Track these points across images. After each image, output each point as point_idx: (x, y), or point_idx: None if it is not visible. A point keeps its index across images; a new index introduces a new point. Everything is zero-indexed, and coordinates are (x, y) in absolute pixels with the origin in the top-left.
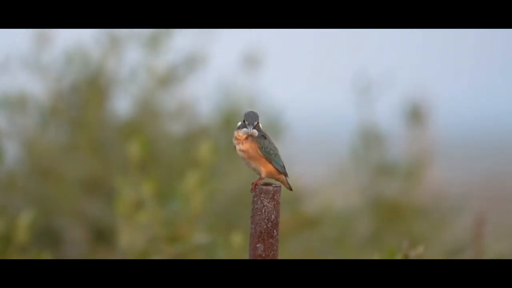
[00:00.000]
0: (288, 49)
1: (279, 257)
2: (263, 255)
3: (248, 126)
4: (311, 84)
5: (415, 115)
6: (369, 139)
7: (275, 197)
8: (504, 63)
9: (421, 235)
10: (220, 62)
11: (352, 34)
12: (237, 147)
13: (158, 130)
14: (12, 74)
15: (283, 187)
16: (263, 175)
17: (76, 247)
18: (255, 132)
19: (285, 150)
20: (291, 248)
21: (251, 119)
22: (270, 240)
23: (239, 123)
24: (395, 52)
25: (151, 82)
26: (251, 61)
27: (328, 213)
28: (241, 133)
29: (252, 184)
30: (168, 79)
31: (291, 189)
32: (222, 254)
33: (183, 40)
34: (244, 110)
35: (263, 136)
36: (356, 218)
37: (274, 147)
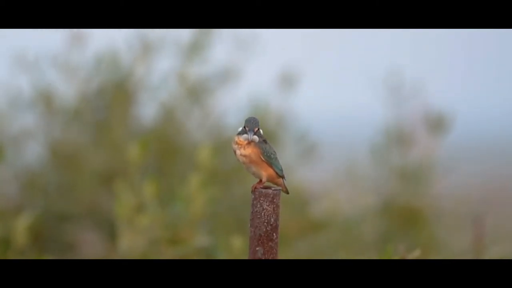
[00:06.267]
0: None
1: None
2: (263, 259)
3: (248, 132)
4: (328, 86)
5: (437, 123)
6: (392, 140)
7: (274, 200)
8: (503, 64)
9: (434, 239)
10: (253, 79)
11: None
12: (238, 152)
13: (178, 138)
14: (42, 73)
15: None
16: (264, 179)
17: (90, 246)
18: (256, 138)
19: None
20: (298, 251)
21: (251, 125)
22: (270, 243)
23: (240, 129)
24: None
25: (181, 90)
26: (284, 82)
27: (337, 216)
28: (242, 139)
29: (252, 187)
30: (198, 89)
31: (287, 193)
32: (222, 257)
33: (218, 53)
34: (272, 127)
35: (264, 141)
36: (367, 221)
37: (274, 151)
